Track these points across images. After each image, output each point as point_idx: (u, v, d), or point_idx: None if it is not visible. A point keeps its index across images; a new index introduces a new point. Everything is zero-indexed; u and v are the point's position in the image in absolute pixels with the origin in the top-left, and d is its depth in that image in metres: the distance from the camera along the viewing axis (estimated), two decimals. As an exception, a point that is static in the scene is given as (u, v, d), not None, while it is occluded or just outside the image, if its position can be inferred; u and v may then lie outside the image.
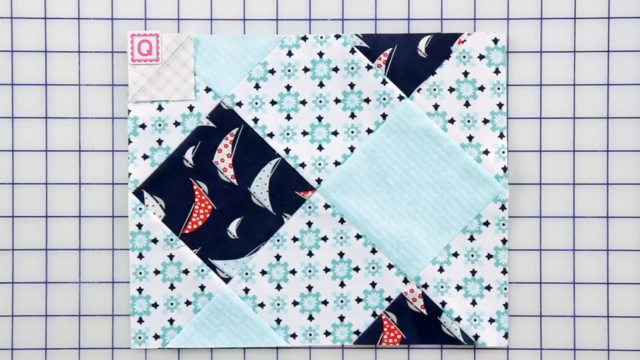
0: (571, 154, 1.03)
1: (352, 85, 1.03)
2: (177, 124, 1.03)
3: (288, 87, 1.03)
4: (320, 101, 1.03)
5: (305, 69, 1.03)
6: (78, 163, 1.04)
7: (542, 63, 1.03)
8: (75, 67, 1.03)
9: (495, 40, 1.02)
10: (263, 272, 1.03)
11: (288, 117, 1.03)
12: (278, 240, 1.03)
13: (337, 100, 1.03)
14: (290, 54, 1.03)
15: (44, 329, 1.04)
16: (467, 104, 1.03)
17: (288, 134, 1.03)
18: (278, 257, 1.03)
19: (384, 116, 1.03)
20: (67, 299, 1.04)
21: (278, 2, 1.04)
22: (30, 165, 1.04)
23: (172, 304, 1.03)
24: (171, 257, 1.03)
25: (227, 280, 1.03)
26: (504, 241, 1.03)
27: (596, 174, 1.03)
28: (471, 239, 1.03)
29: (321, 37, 1.03)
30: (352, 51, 1.03)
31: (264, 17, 1.04)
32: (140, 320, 1.03)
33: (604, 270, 1.04)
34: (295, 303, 1.03)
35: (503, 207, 1.03)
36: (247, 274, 1.03)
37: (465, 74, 1.03)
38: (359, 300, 1.04)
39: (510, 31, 1.03)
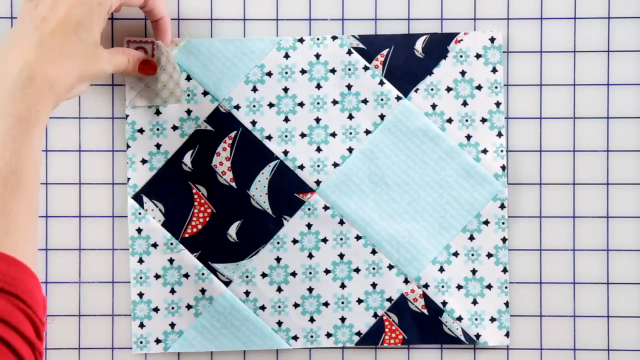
0: (571, 154, 1.03)
1: (349, 87, 1.02)
2: (175, 128, 1.02)
3: (285, 90, 1.02)
4: (318, 103, 1.02)
5: (303, 71, 1.02)
6: (78, 163, 1.04)
7: (542, 63, 1.03)
8: (72, 69, 1.03)
9: (492, 39, 1.02)
10: (263, 275, 1.03)
11: (286, 120, 1.03)
12: (278, 243, 1.03)
13: (334, 102, 1.02)
14: (287, 56, 1.02)
15: (44, 330, 1.05)
16: (464, 103, 1.02)
17: (286, 136, 1.03)
18: (278, 259, 1.03)
19: (382, 117, 1.02)
20: (67, 299, 1.04)
21: (278, 3, 1.03)
22: (29, 168, 1.04)
23: (173, 308, 1.03)
24: (171, 261, 1.03)
25: (227, 283, 1.03)
26: (504, 240, 1.03)
27: (596, 174, 1.03)
28: (471, 238, 1.03)
29: (318, 39, 1.02)
30: (349, 52, 1.02)
31: (264, 18, 1.03)
32: (142, 325, 1.03)
33: (604, 270, 1.04)
34: (296, 305, 1.04)
35: (502, 206, 1.02)
36: (247, 276, 1.03)
37: (463, 73, 1.02)
38: (359, 301, 1.04)
39: (509, 31, 1.03)
